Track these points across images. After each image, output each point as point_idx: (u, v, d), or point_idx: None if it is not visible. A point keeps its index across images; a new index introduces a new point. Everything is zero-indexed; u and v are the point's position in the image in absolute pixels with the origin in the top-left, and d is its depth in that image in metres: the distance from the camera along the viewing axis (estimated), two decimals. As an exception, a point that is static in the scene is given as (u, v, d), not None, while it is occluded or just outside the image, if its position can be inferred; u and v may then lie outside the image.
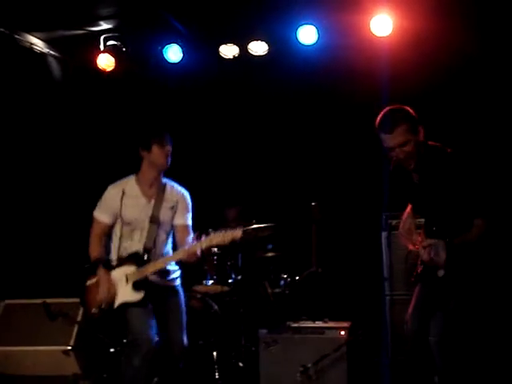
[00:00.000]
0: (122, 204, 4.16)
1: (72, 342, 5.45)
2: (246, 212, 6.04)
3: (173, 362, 4.32)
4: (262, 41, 6.23)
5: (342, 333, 4.79)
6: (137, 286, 4.08)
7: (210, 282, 5.54)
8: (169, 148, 4.24)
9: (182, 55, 6.39)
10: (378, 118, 3.68)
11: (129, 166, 6.66)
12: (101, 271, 4.19)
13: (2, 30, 5.90)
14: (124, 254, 4.19)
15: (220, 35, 6.29)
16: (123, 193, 4.19)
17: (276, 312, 5.37)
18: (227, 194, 6.26)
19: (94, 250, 4.25)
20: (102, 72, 6.54)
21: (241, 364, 5.19)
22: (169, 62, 6.45)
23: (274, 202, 6.33)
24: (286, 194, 6.39)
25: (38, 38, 6.48)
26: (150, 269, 4.07)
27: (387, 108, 3.71)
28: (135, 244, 4.17)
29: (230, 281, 5.51)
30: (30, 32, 6.35)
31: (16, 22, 6.04)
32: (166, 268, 4.19)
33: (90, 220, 4.39)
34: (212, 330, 5.25)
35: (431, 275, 3.60)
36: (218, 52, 6.32)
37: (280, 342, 4.91)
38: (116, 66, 6.51)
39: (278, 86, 6.39)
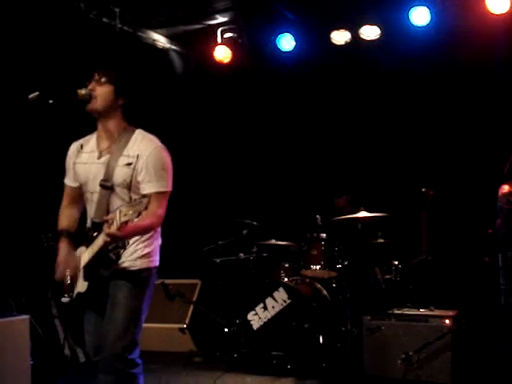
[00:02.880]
0: (76, 161, 3.28)
1: (187, 321, 5.80)
2: (355, 200, 6.02)
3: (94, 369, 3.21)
4: (373, 25, 6.16)
5: (447, 321, 4.67)
6: (86, 272, 3.16)
7: (318, 266, 5.60)
8: (91, 87, 3.18)
9: (294, 44, 6.50)
10: None
11: (245, 153, 7.03)
12: (60, 245, 3.28)
13: (125, 28, 6.29)
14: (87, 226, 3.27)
15: (331, 21, 6.31)
16: (81, 147, 3.30)
17: (383, 298, 5.32)
18: (337, 182, 6.25)
19: (60, 222, 3.35)
20: (219, 64, 6.80)
21: (346, 348, 5.20)
22: (282, 51, 6.57)
23: (385, 189, 6.24)
24: (396, 181, 6.27)
25: (160, 35, 6.85)
26: (88, 254, 3.12)
27: None
28: (90, 212, 3.25)
29: (337, 266, 5.54)
30: (152, 29, 6.72)
31: (139, 20, 6.43)
32: (115, 258, 3.12)
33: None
34: (319, 313, 5.32)
35: None
36: (329, 38, 6.34)
37: (383, 328, 4.89)
38: (232, 58, 6.75)
39: (391, 70, 6.29)
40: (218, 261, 6.04)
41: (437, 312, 4.87)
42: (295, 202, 6.66)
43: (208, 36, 6.77)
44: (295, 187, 6.78)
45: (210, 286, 6.14)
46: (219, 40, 6.76)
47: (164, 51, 6.95)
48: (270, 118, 7.01)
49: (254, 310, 5.41)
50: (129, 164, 3.13)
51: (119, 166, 3.14)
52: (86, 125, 3.42)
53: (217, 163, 7.11)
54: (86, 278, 3.14)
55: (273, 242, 5.83)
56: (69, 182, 3.38)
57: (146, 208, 2.85)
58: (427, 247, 5.41)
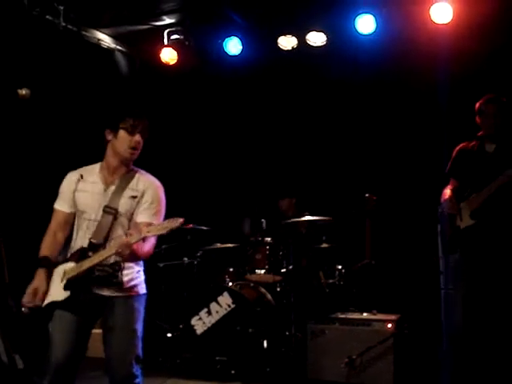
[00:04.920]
0: (77, 189, 3.47)
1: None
2: (299, 204, 6.05)
3: None
4: (320, 31, 6.22)
5: (389, 325, 4.75)
6: (68, 284, 3.31)
7: (263, 271, 5.60)
8: (138, 139, 3.41)
9: (241, 47, 6.49)
10: (484, 97, 4.51)
11: (187, 155, 6.97)
12: (38, 271, 3.43)
13: (70, 27, 6.15)
14: (75, 248, 3.46)
15: (278, 27, 6.33)
16: (81, 177, 3.50)
17: (326, 302, 5.37)
18: (281, 185, 6.28)
19: (43, 247, 3.49)
20: (165, 65, 6.73)
21: (290, 353, 5.21)
22: (229, 55, 6.56)
23: (329, 194, 6.30)
24: (340, 186, 6.35)
25: (105, 34, 6.73)
26: (86, 265, 3.29)
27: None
28: (86, 237, 3.42)
29: (282, 270, 5.55)
30: (97, 28, 6.60)
31: (83, 19, 6.30)
32: (112, 272, 3.32)
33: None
34: (263, 318, 5.31)
35: None
36: (276, 43, 6.37)
37: (327, 332, 4.93)
38: (179, 60, 6.69)
39: (336, 76, 6.35)
40: (161, 265, 5.97)
41: (379, 316, 4.94)
42: (239, 206, 6.64)
43: (154, 37, 6.68)
44: (240, 190, 6.77)
45: (153, 291, 6.03)
46: (166, 42, 6.69)
47: (109, 51, 6.83)
48: (215, 121, 6.99)
49: (197, 314, 5.37)
50: (134, 197, 3.41)
51: (124, 197, 3.40)
52: (25, 125, 3.37)
53: (159, 166, 7.00)
54: (67, 288, 3.30)
55: (218, 245, 5.81)
56: (62, 207, 3.52)
57: (177, 228, 3.10)
58: (370, 252, 5.50)
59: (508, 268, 4.22)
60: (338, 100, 6.48)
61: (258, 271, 5.61)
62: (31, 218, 5.17)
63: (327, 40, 6.21)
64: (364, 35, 5.98)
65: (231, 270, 5.71)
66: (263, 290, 5.58)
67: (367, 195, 5.52)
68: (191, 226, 5.79)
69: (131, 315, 3.36)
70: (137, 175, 3.49)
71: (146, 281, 5.95)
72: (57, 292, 3.32)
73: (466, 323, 4.30)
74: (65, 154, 5.61)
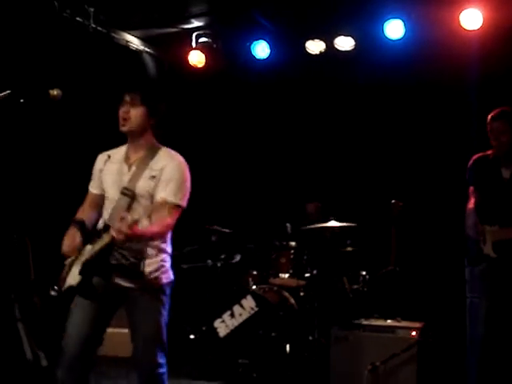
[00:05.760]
0: (104, 169, 3.45)
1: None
2: (325, 209, 6.03)
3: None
4: (348, 36, 6.21)
5: (413, 333, 4.70)
6: (83, 268, 3.21)
7: (287, 275, 5.59)
8: (124, 109, 3.32)
9: (269, 51, 6.52)
10: (496, 110, 4.33)
11: (213, 159, 6.99)
12: (70, 228, 3.36)
13: (99, 28, 6.21)
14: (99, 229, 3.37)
15: (306, 31, 6.35)
16: (108, 157, 3.48)
17: (350, 308, 5.34)
18: (308, 189, 6.27)
19: (78, 213, 3.48)
20: (193, 68, 6.76)
21: (312, 358, 5.19)
22: (257, 58, 6.58)
23: (355, 199, 6.28)
24: (366, 191, 6.32)
25: (134, 36, 6.79)
26: (95, 248, 3.19)
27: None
28: (105, 217, 3.38)
29: (306, 275, 5.53)
30: (126, 30, 6.65)
31: (113, 21, 6.36)
32: (133, 261, 3.23)
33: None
34: (286, 322, 5.30)
35: None
36: (304, 48, 6.38)
37: (351, 338, 4.90)
38: (207, 63, 6.72)
39: (364, 81, 6.34)
40: (185, 267, 5.98)
41: (404, 323, 4.89)
42: (265, 209, 6.64)
43: (183, 40, 6.74)
44: (265, 194, 6.78)
45: (176, 293, 6.05)
46: (194, 44, 6.73)
47: (137, 53, 6.88)
48: (242, 125, 7.01)
49: (220, 317, 5.36)
50: (153, 177, 3.30)
51: (144, 178, 3.30)
52: (56, 125, 3.41)
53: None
54: (81, 273, 3.19)
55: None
56: (92, 188, 3.53)
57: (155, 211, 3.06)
58: (395, 258, 5.46)
59: None
60: (366, 105, 6.46)
61: (281, 275, 5.60)
62: (56, 217, 5.21)
63: (355, 45, 6.21)
64: (393, 40, 5.97)
65: (255, 273, 5.70)
66: (286, 293, 5.56)
67: (393, 201, 5.48)
68: (214, 227, 5.81)
69: (154, 307, 3.31)
70: (159, 153, 3.40)
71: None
72: (74, 276, 3.25)
73: (488, 332, 4.28)
74: (93, 155, 5.65)
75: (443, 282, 5.62)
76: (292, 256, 5.58)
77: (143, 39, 6.88)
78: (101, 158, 3.51)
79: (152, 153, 3.38)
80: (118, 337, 4.81)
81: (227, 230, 5.93)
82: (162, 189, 3.27)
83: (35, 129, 5.14)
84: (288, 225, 5.65)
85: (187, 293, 5.92)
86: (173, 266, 5.83)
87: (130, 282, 3.25)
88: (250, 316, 5.28)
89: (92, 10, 6.01)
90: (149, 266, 3.26)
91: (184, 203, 3.33)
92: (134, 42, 6.80)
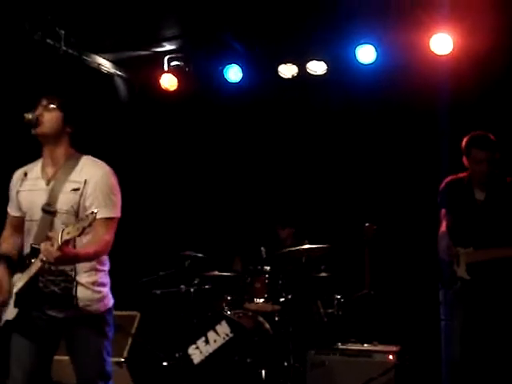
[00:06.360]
0: (20, 189, 3.18)
1: (125, 354, 5.57)
2: (299, 234, 6.01)
3: None
4: (320, 60, 6.25)
5: (390, 357, 4.69)
6: (17, 300, 2.99)
7: (261, 300, 5.53)
8: (37, 113, 3.12)
9: (241, 75, 6.52)
10: (471, 136, 4.32)
11: (187, 183, 6.95)
12: None
13: (70, 51, 6.15)
14: (25, 255, 3.13)
15: (279, 55, 6.37)
16: (25, 175, 3.21)
17: (326, 332, 5.30)
18: (280, 214, 6.24)
19: (0, 246, 3.27)
20: (165, 91, 6.73)
21: (288, 384, 5.14)
22: (229, 82, 6.57)
23: (329, 223, 6.28)
24: (340, 215, 6.32)
25: (106, 59, 6.74)
26: (27, 274, 2.95)
27: (479, 132, 4.33)
28: (29, 241, 3.11)
29: (281, 300, 5.48)
30: (97, 53, 6.60)
31: (84, 43, 6.30)
32: (63, 290, 2.99)
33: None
34: (262, 348, 5.23)
35: None
36: (277, 71, 6.39)
37: (327, 363, 4.86)
38: (179, 86, 6.70)
39: (336, 105, 6.39)
40: (158, 292, 5.89)
41: (380, 347, 4.89)
42: (238, 234, 6.59)
43: (154, 63, 6.70)
44: (239, 218, 6.73)
45: (149, 319, 5.96)
46: (166, 68, 6.71)
47: (109, 76, 6.83)
48: (214, 148, 6.97)
49: (195, 343, 5.27)
50: (76, 190, 3.07)
51: (65, 193, 3.07)
52: (31, 150, 3.33)
53: (158, 191, 6.98)
54: (16, 305, 3.00)
55: (216, 273, 5.75)
56: (12, 211, 3.29)
57: (90, 225, 2.75)
58: (370, 281, 5.46)
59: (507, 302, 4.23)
60: (338, 129, 6.49)
61: (256, 300, 5.52)
62: None
63: (328, 69, 6.24)
64: (364, 65, 6.02)
65: (229, 298, 5.63)
66: (261, 318, 5.49)
67: (367, 224, 5.50)
68: (188, 253, 5.74)
69: (94, 340, 3.11)
70: (80, 163, 3.15)
71: (142, 308, 5.97)
72: (10, 309, 3.04)
73: (463, 353, 4.25)
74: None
75: (418, 304, 5.63)
76: (267, 281, 5.52)
77: (115, 62, 6.83)
78: (17, 177, 3.26)
79: (72, 163, 3.14)
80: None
81: (200, 255, 5.86)
82: (91, 204, 3.03)
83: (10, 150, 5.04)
84: (263, 249, 5.62)
85: (160, 319, 5.83)
86: (144, 292, 5.79)
87: (63, 312, 3.04)
88: (225, 342, 5.20)
89: (63, 32, 5.93)
90: (83, 292, 3.04)
91: (118, 214, 3.14)
92: (106, 64, 6.75)
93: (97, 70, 6.63)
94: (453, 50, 5.62)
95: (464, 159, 4.35)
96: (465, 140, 4.32)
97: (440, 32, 5.64)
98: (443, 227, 4.46)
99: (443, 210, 4.54)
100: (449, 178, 4.52)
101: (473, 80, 5.53)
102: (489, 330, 4.22)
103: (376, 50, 5.93)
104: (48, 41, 5.87)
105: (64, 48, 6.00)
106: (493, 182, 4.31)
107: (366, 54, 5.98)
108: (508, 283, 4.23)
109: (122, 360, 5.58)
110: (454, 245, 4.33)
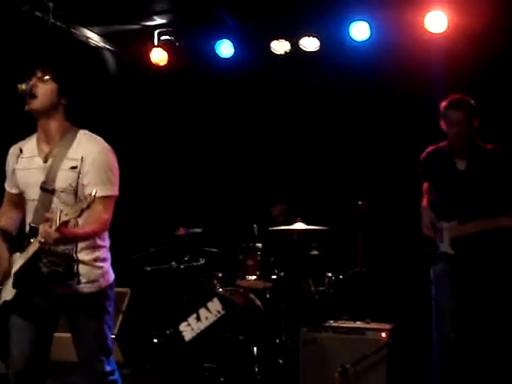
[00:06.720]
0: (17, 168, 3.12)
1: (116, 331, 5.56)
2: (290, 210, 6.00)
3: None
4: (313, 37, 6.18)
5: (383, 335, 4.69)
6: (16, 280, 2.99)
7: (253, 277, 5.52)
8: (33, 83, 3.04)
9: (233, 50, 6.43)
10: (448, 99, 4.15)
11: (178, 158, 6.88)
12: None
13: (58, 23, 6.02)
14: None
15: (272, 31, 6.28)
16: (20, 152, 3.14)
17: (318, 310, 5.31)
18: (272, 191, 6.22)
19: None
20: (155, 66, 6.63)
21: (280, 361, 5.14)
22: (221, 57, 6.49)
23: (322, 200, 6.26)
24: (332, 193, 6.31)
25: (94, 32, 6.61)
26: (26, 254, 2.95)
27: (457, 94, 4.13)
28: (28, 221, 3.08)
29: (273, 277, 5.48)
30: (85, 26, 6.47)
31: (73, 16, 6.17)
32: (64, 268, 2.99)
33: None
34: (253, 325, 5.23)
35: None
36: (269, 48, 6.32)
37: (319, 340, 4.86)
38: (169, 61, 6.60)
39: (328, 82, 6.33)
40: (148, 269, 5.85)
41: (373, 325, 4.88)
42: (231, 211, 6.56)
43: (144, 37, 6.59)
44: (231, 195, 6.70)
45: (139, 295, 5.93)
46: (156, 42, 6.59)
47: (97, 50, 6.71)
48: (205, 124, 6.90)
49: (186, 320, 5.26)
50: (73, 167, 3.00)
51: (63, 170, 3.01)
52: (26, 122, 3.26)
53: (149, 167, 6.91)
54: (14, 286, 2.97)
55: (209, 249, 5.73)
56: (9, 187, 3.23)
57: (88, 206, 2.70)
58: (362, 259, 5.46)
59: (495, 281, 4.12)
60: (331, 106, 6.45)
61: (248, 277, 5.53)
62: None
63: (320, 46, 6.18)
64: (358, 42, 5.97)
65: (220, 275, 5.61)
66: (252, 295, 5.49)
67: (360, 203, 5.48)
68: (183, 231, 5.69)
69: (95, 315, 3.10)
70: (77, 139, 3.07)
71: (133, 285, 5.93)
72: (7, 290, 3.01)
73: (456, 332, 4.14)
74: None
75: (411, 282, 5.65)
76: (259, 258, 5.52)
77: (103, 36, 6.71)
78: (12, 153, 3.19)
79: (68, 139, 3.06)
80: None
81: (197, 230, 5.80)
82: (88, 182, 2.97)
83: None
84: (255, 226, 5.59)
85: (151, 296, 5.80)
86: (135, 269, 5.74)
87: (65, 289, 3.02)
88: (217, 319, 5.19)
89: (51, 4, 5.79)
90: (84, 270, 3.03)
91: (116, 192, 3.09)
92: (94, 38, 6.63)
93: (85, 43, 6.51)
94: (447, 27, 5.59)
95: (441, 123, 4.14)
96: (442, 103, 4.15)
97: (435, 10, 5.60)
98: (424, 202, 4.32)
99: (425, 184, 4.39)
100: (430, 148, 4.34)
101: (467, 58, 5.50)
102: (480, 305, 4.11)
103: (370, 27, 5.88)
104: (36, 13, 5.75)
105: (52, 20, 5.87)
106: (473, 150, 4.11)
107: (359, 30, 5.93)
108: (494, 256, 4.08)
109: (113, 337, 5.55)
110: (438, 219, 4.17)
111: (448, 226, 4.15)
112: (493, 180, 4.08)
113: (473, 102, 4.07)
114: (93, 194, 2.72)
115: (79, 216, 2.73)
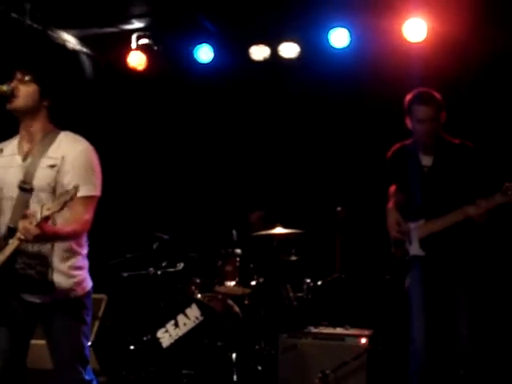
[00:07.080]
0: None
1: (92, 338, 5.46)
2: (269, 217, 5.98)
3: None
4: (293, 42, 6.18)
5: (363, 341, 4.70)
6: None
7: (232, 283, 5.49)
8: (14, 85, 3.03)
9: (212, 55, 6.40)
10: (413, 93, 3.98)
11: (154, 163, 6.81)
12: None
13: (35, 26, 5.93)
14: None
15: (251, 36, 6.27)
16: (0, 151, 3.13)
17: (297, 316, 5.29)
18: (251, 197, 6.20)
19: None
20: (133, 70, 6.57)
21: (259, 367, 5.11)
22: (200, 62, 6.45)
23: (300, 206, 6.26)
24: (311, 199, 6.30)
25: (71, 35, 6.52)
26: (2, 255, 2.87)
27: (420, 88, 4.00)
28: (4, 221, 3.01)
29: (252, 283, 5.45)
30: (63, 29, 6.39)
31: (50, 18, 6.09)
32: (39, 274, 2.91)
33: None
34: (232, 331, 5.20)
35: None
36: (248, 53, 6.29)
37: (299, 347, 4.84)
38: (147, 65, 6.53)
39: (307, 89, 6.33)
40: (125, 275, 5.78)
41: (353, 331, 4.89)
42: (210, 216, 6.51)
43: (122, 41, 6.51)
44: (210, 201, 6.65)
45: (116, 302, 5.85)
46: (134, 46, 6.53)
47: (74, 52, 6.62)
48: (183, 129, 6.85)
49: (164, 327, 5.21)
50: (52, 166, 2.97)
51: (41, 168, 2.98)
52: (8, 123, 3.22)
53: (126, 172, 6.83)
54: None
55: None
56: None
57: (71, 199, 2.69)
58: (341, 265, 5.46)
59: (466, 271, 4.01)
60: (310, 112, 6.45)
61: (227, 283, 5.51)
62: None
63: (300, 52, 6.18)
64: (337, 49, 5.98)
65: (198, 281, 5.57)
66: (230, 301, 5.47)
67: (339, 208, 5.49)
68: (157, 233, 5.64)
69: (72, 325, 3.04)
70: (58, 139, 3.06)
71: (109, 291, 5.84)
72: None
73: (426, 330, 4.02)
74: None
75: (390, 288, 5.65)
76: (238, 264, 5.49)
77: (81, 38, 6.61)
78: None
79: (49, 139, 3.04)
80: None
81: (165, 236, 5.75)
82: (69, 182, 2.92)
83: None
84: (234, 232, 5.57)
85: (128, 302, 5.73)
86: (112, 275, 5.67)
87: (39, 297, 2.96)
88: (195, 325, 5.15)
89: (28, 6, 5.72)
90: (60, 277, 2.96)
91: (98, 192, 3.06)
92: (72, 41, 6.54)
93: (62, 46, 6.42)
94: (427, 36, 5.62)
95: (406, 120, 3.98)
96: (407, 98, 3.96)
97: (414, 17, 5.63)
98: (390, 204, 4.20)
99: (392, 187, 4.29)
100: (396, 146, 4.20)
101: (446, 67, 5.54)
102: (452, 303, 3.98)
103: (350, 34, 5.90)
104: (13, 14, 5.66)
105: (29, 22, 5.80)
106: (440, 145, 3.94)
107: (339, 37, 5.94)
108: (464, 251, 3.96)
109: (89, 344, 5.47)
110: (405, 220, 4.03)
111: (415, 226, 4.01)
112: (460, 175, 3.91)
113: (438, 95, 3.92)
114: (75, 186, 2.73)
115: (61, 210, 2.71)
